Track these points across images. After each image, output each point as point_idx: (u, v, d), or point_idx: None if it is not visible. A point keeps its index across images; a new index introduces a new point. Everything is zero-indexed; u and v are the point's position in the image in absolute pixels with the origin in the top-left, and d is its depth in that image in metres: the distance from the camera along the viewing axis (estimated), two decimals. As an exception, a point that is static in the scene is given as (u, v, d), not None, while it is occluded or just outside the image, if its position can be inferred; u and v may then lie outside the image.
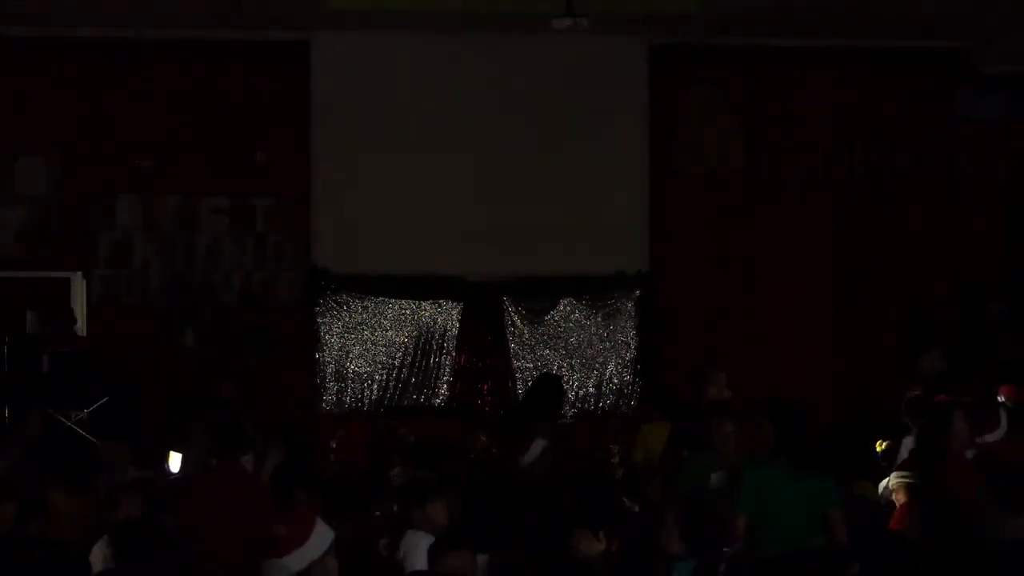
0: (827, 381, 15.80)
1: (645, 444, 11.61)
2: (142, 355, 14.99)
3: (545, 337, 16.04)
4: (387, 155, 15.64)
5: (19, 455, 9.49)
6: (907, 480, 9.94)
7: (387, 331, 15.87)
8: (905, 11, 14.81)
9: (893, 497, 10.03)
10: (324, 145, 15.77)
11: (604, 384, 16.03)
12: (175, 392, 14.41)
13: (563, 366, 15.91)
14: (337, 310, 15.83)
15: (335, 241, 15.75)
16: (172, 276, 15.76)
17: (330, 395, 15.78)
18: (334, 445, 13.38)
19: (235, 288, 15.83)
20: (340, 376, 15.80)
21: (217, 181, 15.77)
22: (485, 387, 15.96)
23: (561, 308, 16.08)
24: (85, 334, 15.32)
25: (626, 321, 16.09)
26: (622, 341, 16.09)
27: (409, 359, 15.86)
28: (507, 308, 16.03)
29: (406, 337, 15.87)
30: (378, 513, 9.24)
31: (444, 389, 15.88)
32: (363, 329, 15.86)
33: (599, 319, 16.08)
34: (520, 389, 15.54)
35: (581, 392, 15.99)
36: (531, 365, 15.84)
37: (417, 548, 7.53)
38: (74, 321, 15.19)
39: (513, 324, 16.03)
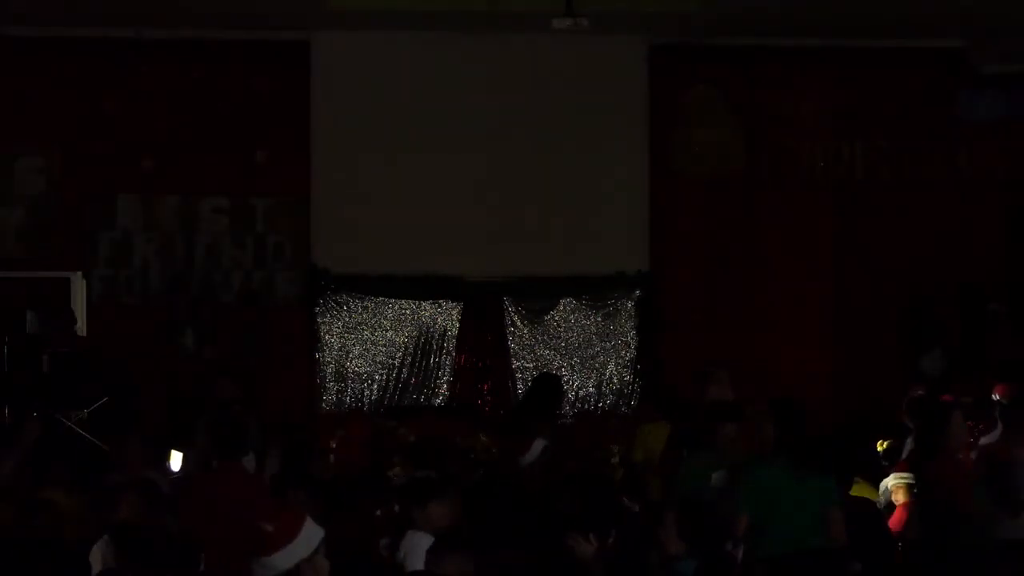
0: (827, 381, 15.80)
1: (645, 444, 11.60)
2: (142, 355, 14.99)
3: (545, 337, 16.04)
4: (387, 155, 15.64)
5: (21, 459, 9.48)
6: (905, 481, 9.96)
7: (387, 331, 15.88)
8: (905, 11, 14.81)
9: (892, 498, 10.05)
10: (324, 145, 15.77)
11: (604, 384, 16.04)
12: (175, 392, 14.41)
13: (563, 366, 15.92)
14: (337, 310, 15.83)
15: (335, 241, 15.75)
16: (172, 276, 15.77)
17: (330, 395, 15.78)
18: (334, 445, 13.38)
19: (235, 288, 15.84)
20: (340, 376, 15.80)
21: (217, 181, 15.78)
22: (485, 387, 15.96)
23: (561, 308, 16.08)
24: (85, 334, 15.32)
25: (626, 321, 16.10)
26: (622, 341, 16.10)
27: (409, 359, 15.86)
28: (507, 308, 16.04)
29: (406, 337, 15.87)
30: (378, 513, 9.24)
31: (444, 389, 15.89)
32: (363, 329, 15.86)
33: (599, 319, 16.09)
34: (520, 389, 15.54)
35: (581, 392, 16.00)
36: (531, 365, 15.84)
37: (418, 548, 7.52)
38: (74, 321, 15.19)
39: (513, 324, 16.03)
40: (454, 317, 15.96)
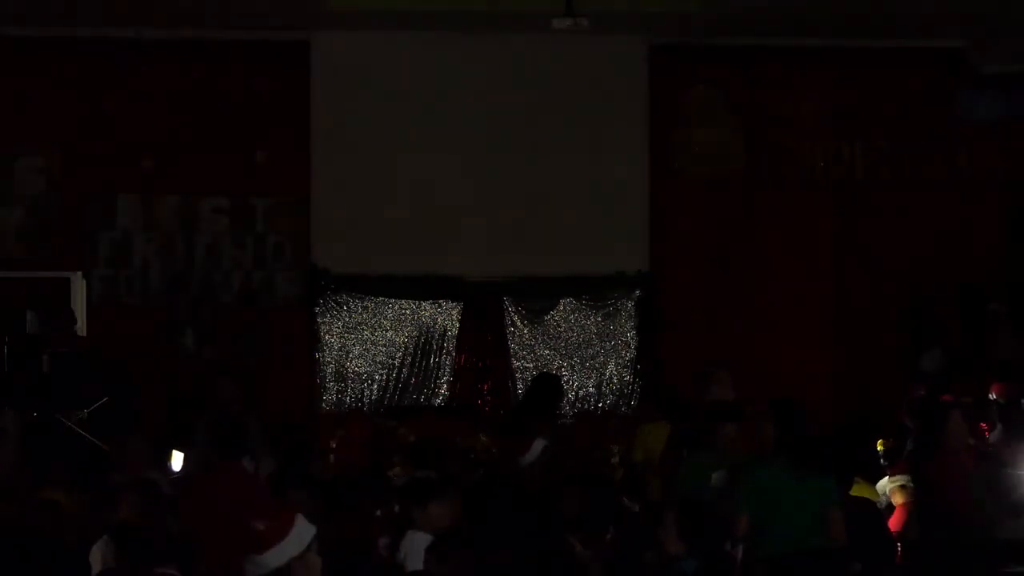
0: (827, 381, 15.80)
1: (645, 444, 11.61)
2: (142, 355, 14.99)
3: (545, 337, 16.04)
4: (387, 155, 15.64)
5: (10, 456, 9.46)
6: (899, 483, 9.97)
7: (387, 331, 15.87)
8: (905, 11, 14.81)
9: (892, 498, 10.06)
10: (324, 145, 15.77)
11: (604, 384, 16.03)
12: (175, 392, 14.42)
13: (563, 366, 15.91)
14: (337, 310, 15.83)
15: (335, 241, 15.74)
16: (172, 276, 15.77)
17: (330, 395, 15.78)
18: (334, 445, 13.38)
19: (235, 288, 15.84)
20: (340, 376, 15.80)
21: (217, 181, 15.78)
22: (485, 387, 15.96)
23: (561, 308, 16.08)
24: (85, 334, 15.32)
25: (626, 321, 16.10)
26: (622, 341, 16.10)
27: (409, 359, 15.86)
28: (507, 308, 16.03)
29: (406, 337, 15.87)
30: (378, 513, 9.24)
31: (444, 389, 15.88)
32: (363, 329, 15.86)
33: (599, 319, 16.09)
34: (520, 389, 15.54)
35: (581, 392, 15.99)
36: (531, 365, 15.83)
37: (418, 548, 7.52)
38: (74, 321, 15.19)
39: (513, 324, 16.03)
40: (454, 317, 15.96)
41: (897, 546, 9.50)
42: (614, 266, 15.92)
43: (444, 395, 15.88)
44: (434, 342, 15.90)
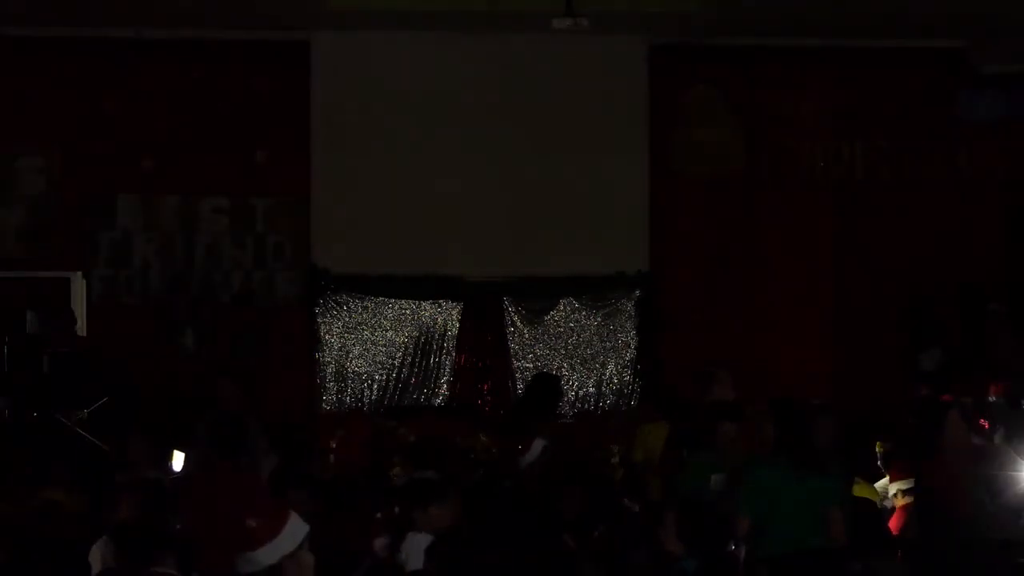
0: (827, 381, 15.78)
1: (645, 444, 11.61)
2: (142, 355, 14.99)
3: (545, 337, 16.04)
4: (387, 155, 15.64)
5: None
6: (906, 486, 9.97)
7: (387, 331, 15.87)
8: (905, 11, 14.80)
9: (894, 501, 10.06)
10: (324, 145, 15.77)
11: (604, 384, 16.03)
12: (175, 392, 14.41)
13: (563, 366, 15.92)
14: (337, 310, 15.83)
15: (335, 241, 15.75)
16: (172, 276, 15.77)
17: (330, 395, 15.78)
18: (334, 445, 13.37)
19: (235, 288, 15.83)
20: (340, 376, 15.80)
21: (217, 181, 15.78)
22: (485, 387, 15.96)
23: (561, 308, 16.08)
24: (85, 334, 15.31)
25: (626, 321, 16.10)
26: (622, 341, 16.09)
27: (409, 359, 15.86)
28: (507, 308, 16.03)
29: (406, 337, 15.87)
30: (379, 515, 9.23)
31: (444, 389, 15.88)
32: (363, 329, 15.86)
33: (599, 319, 16.09)
34: (520, 389, 15.53)
35: (581, 392, 15.99)
36: (531, 365, 15.83)
37: (419, 550, 7.53)
38: (74, 321, 15.18)
39: (513, 324, 16.03)
40: (454, 317, 15.96)
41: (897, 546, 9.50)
42: (614, 266, 15.91)
43: (444, 395, 15.88)
44: (434, 342, 15.90)
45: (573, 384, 15.92)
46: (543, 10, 13.59)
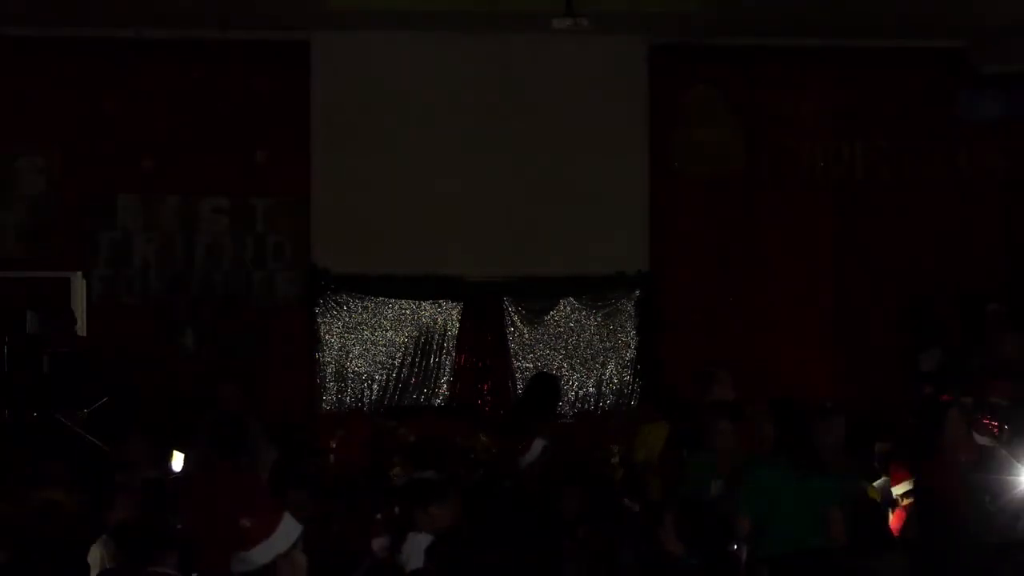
0: (827, 381, 15.78)
1: (645, 444, 11.61)
2: (142, 355, 14.99)
3: (545, 337, 16.04)
4: (387, 155, 15.64)
5: None
6: (908, 487, 9.97)
7: (387, 331, 15.87)
8: (905, 11, 14.80)
9: (898, 499, 10.07)
10: (324, 145, 15.77)
11: (604, 384, 16.03)
12: (175, 392, 14.41)
13: (563, 366, 15.91)
14: (337, 310, 15.83)
15: (335, 241, 15.74)
16: (172, 276, 15.77)
17: (330, 395, 15.78)
18: (334, 445, 13.38)
19: (235, 288, 15.83)
20: (340, 376, 15.79)
21: (217, 181, 15.78)
22: (485, 387, 15.96)
23: (561, 308, 16.07)
24: (85, 334, 15.31)
25: (626, 321, 16.09)
26: (622, 341, 16.09)
27: (409, 359, 15.86)
28: (507, 308, 16.03)
29: (406, 337, 15.87)
30: (379, 515, 9.24)
31: (444, 389, 15.88)
32: (363, 329, 15.86)
33: (599, 319, 16.08)
34: (520, 389, 15.53)
35: (581, 392, 15.99)
36: (531, 365, 15.83)
37: (419, 550, 7.53)
38: (74, 321, 15.18)
39: (513, 324, 16.03)
40: (454, 317, 15.96)
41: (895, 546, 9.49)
42: (614, 266, 15.91)
43: (444, 395, 15.87)
44: (434, 342, 15.90)
45: (573, 384, 15.92)
46: (543, 10, 13.59)
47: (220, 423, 9.23)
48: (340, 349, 15.81)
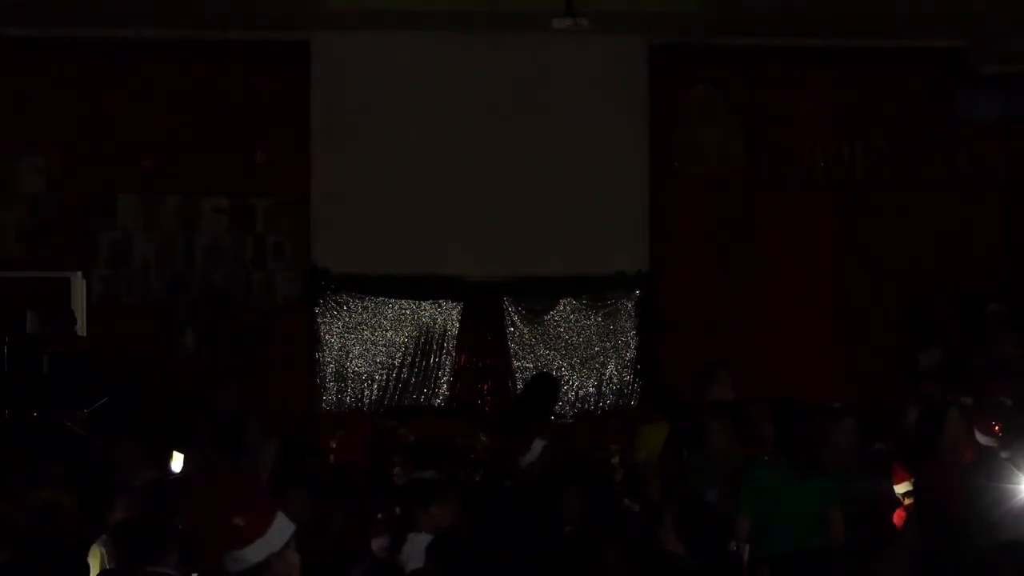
0: (827, 381, 15.78)
1: (645, 444, 11.61)
2: (142, 355, 14.98)
3: (545, 337, 16.03)
4: (387, 155, 15.64)
5: None
6: (908, 488, 9.97)
7: (387, 331, 15.87)
8: (905, 11, 14.80)
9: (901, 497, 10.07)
10: (324, 145, 15.77)
11: (604, 384, 16.03)
12: (175, 392, 14.41)
13: (563, 366, 15.91)
14: (337, 310, 15.83)
15: (335, 241, 15.75)
16: (172, 276, 15.77)
17: (330, 395, 15.77)
18: (334, 445, 13.38)
19: (235, 288, 15.83)
20: (340, 376, 15.79)
21: (217, 181, 15.77)
22: (485, 387, 15.96)
23: (561, 308, 16.07)
24: (85, 334, 15.31)
25: (626, 321, 16.09)
26: (622, 341, 16.09)
27: (409, 359, 15.85)
28: (507, 308, 16.03)
29: (406, 337, 15.87)
30: (379, 515, 9.24)
31: (444, 389, 15.88)
32: (363, 329, 15.86)
33: (599, 319, 16.08)
34: (520, 389, 15.53)
35: (581, 392, 15.99)
36: (531, 365, 15.83)
37: (420, 551, 7.53)
38: (74, 321, 15.17)
39: (513, 324, 16.03)
40: (454, 317, 15.96)
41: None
42: (614, 266, 15.91)
43: (444, 395, 15.87)
44: (434, 342, 15.90)
45: (573, 384, 15.92)
46: (543, 10, 13.59)
47: (220, 423, 9.24)
48: (340, 349, 15.80)
